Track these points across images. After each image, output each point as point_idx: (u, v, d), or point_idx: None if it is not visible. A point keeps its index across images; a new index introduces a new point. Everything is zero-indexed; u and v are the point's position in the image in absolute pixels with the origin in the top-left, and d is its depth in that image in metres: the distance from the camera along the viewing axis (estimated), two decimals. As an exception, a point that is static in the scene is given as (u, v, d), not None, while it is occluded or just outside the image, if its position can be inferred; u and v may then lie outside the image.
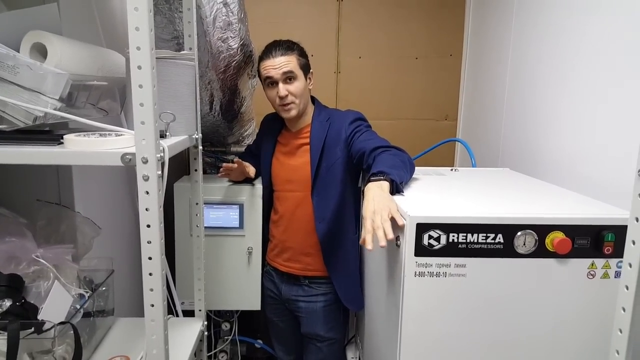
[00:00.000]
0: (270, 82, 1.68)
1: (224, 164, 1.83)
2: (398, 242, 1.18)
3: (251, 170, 1.87)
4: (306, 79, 1.72)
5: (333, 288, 1.78)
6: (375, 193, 1.26)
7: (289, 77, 1.66)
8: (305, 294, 1.82)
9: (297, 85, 1.68)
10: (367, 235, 1.13)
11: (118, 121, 1.33)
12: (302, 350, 1.95)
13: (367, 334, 1.71)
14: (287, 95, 1.66)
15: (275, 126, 1.86)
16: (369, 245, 1.12)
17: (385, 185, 1.30)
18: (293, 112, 1.70)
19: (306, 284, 1.82)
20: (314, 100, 1.83)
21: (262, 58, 1.70)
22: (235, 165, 1.80)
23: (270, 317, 1.98)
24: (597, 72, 1.47)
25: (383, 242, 1.09)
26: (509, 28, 2.11)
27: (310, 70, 1.75)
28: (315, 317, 1.82)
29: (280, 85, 1.66)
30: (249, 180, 1.92)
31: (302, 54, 1.72)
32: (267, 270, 1.94)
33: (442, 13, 2.64)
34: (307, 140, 1.74)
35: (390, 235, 1.10)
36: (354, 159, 1.65)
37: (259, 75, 1.73)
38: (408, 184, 1.46)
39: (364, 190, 1.36)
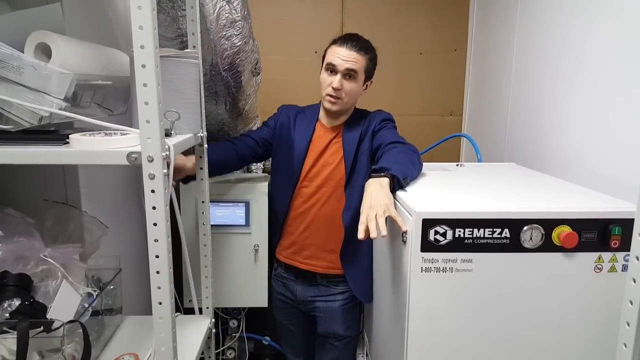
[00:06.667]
0: (330, 69, 1.65)
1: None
2: (404, 237, 1.18)
3: (189, 164, 1.56)
4: (363, 84, 1.69)
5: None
6: (374, 189, 1.29)
7: (350, 74, 1.63)
8: (322, 294, 1.79)
9: (353, 86, 1.65)
10: (360, 226, 1.22)
11: (123, 120, 1.34)
12: (312, 350, 1.94)
13: (375, 329, 1.72)
14: (339, 90, 1.63)
15: (309, 121, 1.78)
16: (360, 235, 1.20)
17: (384, 181, 1.31)
18: (335, 107, 1.67)
19: (323, 284, 1.78)
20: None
21: (335, 42, 1.66)
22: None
23: (280, 321, 1.94)
24: (604, 66, 1.46)
25: (374, 234, 1.16)
26: (513, 22, 2.10)
27: (371, 80, 1.73)
28: (333, 316, 1.79)
29: (338, 76, 1.62)
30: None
31: (373, 60, 1.69)
32: (278, 273, 1.88)
33: (446, 8, 2.63)
34: (340, 139, 1.72)
35: (384, 232, 1.16)
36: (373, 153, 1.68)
37: (324, 56, 1.69)
38: (414, 179, 1.46)
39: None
